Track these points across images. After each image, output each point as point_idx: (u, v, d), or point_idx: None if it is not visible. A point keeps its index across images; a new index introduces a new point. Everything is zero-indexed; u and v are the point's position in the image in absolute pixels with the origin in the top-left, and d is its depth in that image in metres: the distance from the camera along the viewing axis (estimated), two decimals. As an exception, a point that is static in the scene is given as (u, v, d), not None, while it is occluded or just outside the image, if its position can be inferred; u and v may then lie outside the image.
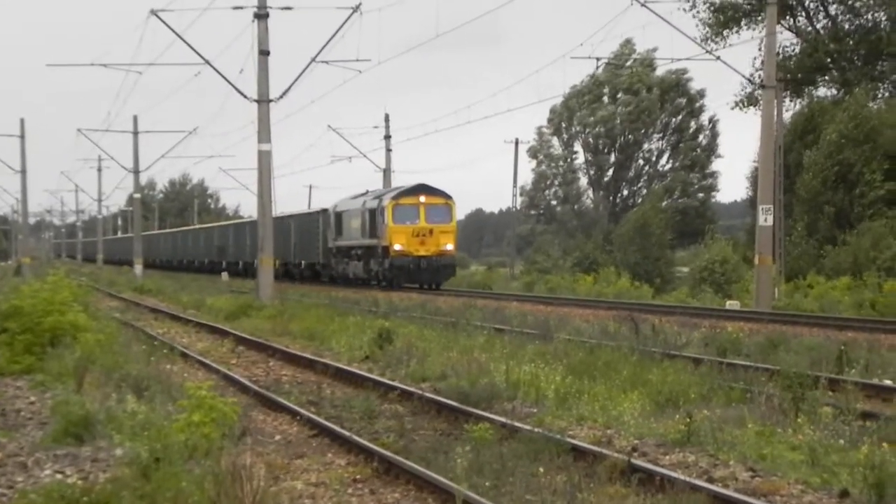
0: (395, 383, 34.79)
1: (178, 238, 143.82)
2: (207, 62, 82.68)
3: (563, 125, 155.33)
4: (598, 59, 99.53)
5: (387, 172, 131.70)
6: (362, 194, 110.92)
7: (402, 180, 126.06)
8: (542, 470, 22.01)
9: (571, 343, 43.60)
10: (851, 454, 22.23)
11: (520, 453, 23.38)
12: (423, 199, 79.60)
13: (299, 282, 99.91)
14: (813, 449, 23.29)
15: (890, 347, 39.90)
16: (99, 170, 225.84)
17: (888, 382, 32.11)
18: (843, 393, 29.34)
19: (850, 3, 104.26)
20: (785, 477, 21.80)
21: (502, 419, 27.36)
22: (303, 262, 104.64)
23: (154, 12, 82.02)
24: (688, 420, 27.18)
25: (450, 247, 79.12)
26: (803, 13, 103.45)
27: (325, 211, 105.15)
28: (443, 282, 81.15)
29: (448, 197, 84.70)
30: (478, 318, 58.08)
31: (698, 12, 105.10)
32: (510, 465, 22.40)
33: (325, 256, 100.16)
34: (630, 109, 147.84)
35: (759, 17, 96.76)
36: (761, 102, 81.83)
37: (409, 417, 29.27)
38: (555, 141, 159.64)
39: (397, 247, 76.16)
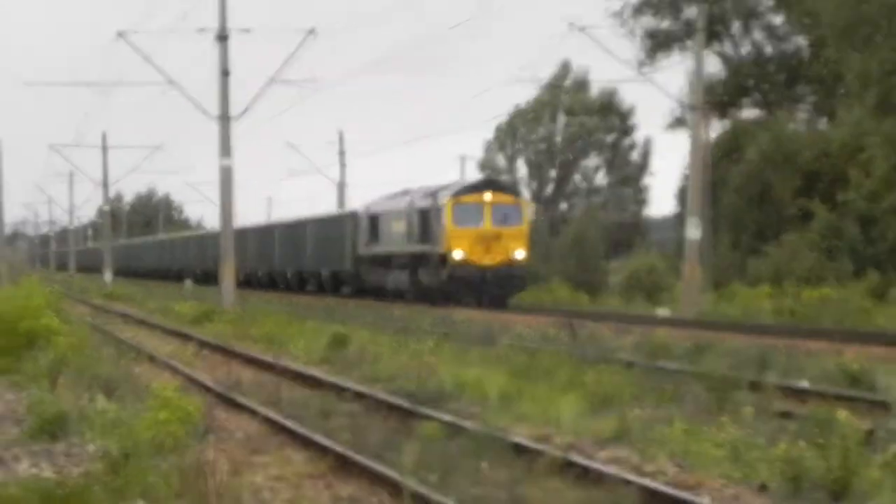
0: (349, 384, 34.90)
1: (149, 247, 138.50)
2: (172, 82, 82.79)
3: (508, 142, 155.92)
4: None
5: (341, 186, 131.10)
6: (403, 192, 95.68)
7: (356, 194, 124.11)
8: (485, 465, 22.20)
9: (513, 348, 43.69)
10: (770, 450, 22.42)
11: (465, 450, 23.55)
12: (488, 196, 68.06)
13: (317, 293, 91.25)
14: (735, 446, 23.52)
15: (807, 352, 40.09)
16: (70, 184, 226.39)
17: (804, 384, 32.03)
18: (764, 394, 29.57)
19: (771, 26, 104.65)
20: (709, 471, 22.00)
21: (448, 418, 27.56)
22: (323, 271, 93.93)
23: (121, 34, 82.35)
24: (621, 419, 27.47)
25: (521, 254, 67.40)
26: (729, 39, 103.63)
27: (354, 214, 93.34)
28: (510, 297, 69.59)
29: (518, 194, 74.95)
30: (427, 324, 58.21)
31: (634, 37, 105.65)
32: (456, 460, 22.55)
33: (353, 265, 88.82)
34: (570, 129, 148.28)
35: (689, 43, 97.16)
36: (690, 124, 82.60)
37: (363, 416, 29.40)
38: (500, 158, 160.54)
39: (458, 255, 64.78)
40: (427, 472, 21.22)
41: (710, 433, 25.31)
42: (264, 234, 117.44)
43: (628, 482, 20.31)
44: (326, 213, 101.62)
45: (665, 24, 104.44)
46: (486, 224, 62.78)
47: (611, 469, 21.62)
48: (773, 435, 24.11)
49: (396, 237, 74.17)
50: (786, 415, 26.91)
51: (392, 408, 30.22)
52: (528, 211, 69.48)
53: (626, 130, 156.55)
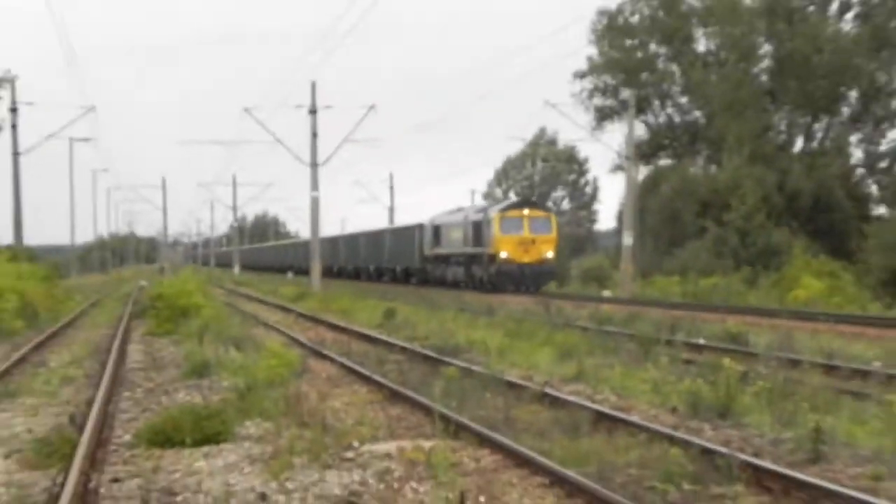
0: (396, 341, 34.86)
1: (263, 251, 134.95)
2: (279, 140, 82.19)
3: (503, 180, 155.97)
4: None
5: (391, 210, 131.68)
6: (458, 209, 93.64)
7: (401, 216, 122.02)
8: (488, 395, 22.15)
9: (507, 317, 43.80)
10: (678, 385, 22.37)
11: (474, 385, 23.48)
12: (526, 212, 66.84)
13: (391, 282, 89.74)
14: (655, 382, 23.53)
15: (703, 320, 40.17)
16: (211, 208, 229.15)
17: (701, 341, 31.89)
18: (674, 348, 29.56)
19: (679, 104, 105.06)
20: (638, 399, 22.04)
21: (463, 364, 27.55)
22: (397, 266, 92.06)
23: (246, 110, 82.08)
24: (579, 365, 27.52)
25: (550, 255, 66.85)
26: (651, 112, 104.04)
27: (421, 225, 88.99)
28: (543, 286, 67.02)
29: (549, 210, 73.92)
30: (448, 303, 58.08)
31: (588, 110, 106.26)
32: (468, 392, 22.49)
33: (420, 262, 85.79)
34: (545, 172, 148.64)
35: (624, 115, 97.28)
36: (625, 169, 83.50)
37: (406, 363, 29.39)
38: (498, 191, 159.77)
39: (504, 254, 64.57)
40: (449, 400, 21.21)
41: (638, 374, 25.33)
42: (353, 240, 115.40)
43: (584, 406, 20.34)
44: (400, 225, 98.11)
45: (609, 102, 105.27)
46: (525, 232, 62.98)
47: (572, 398, 21.63)
48: (680, 375, 24.06)
49: (455, 242, 73.74)
50: (689, 362, 26.91)
51: (425, 357, 30.16)
52: (556, 223, 68.85)
53: (583, 173, 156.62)
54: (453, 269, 73.80)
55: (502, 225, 63.30)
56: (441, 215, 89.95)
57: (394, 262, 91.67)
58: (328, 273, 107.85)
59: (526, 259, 62.91)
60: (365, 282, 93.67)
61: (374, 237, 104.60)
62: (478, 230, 66.72)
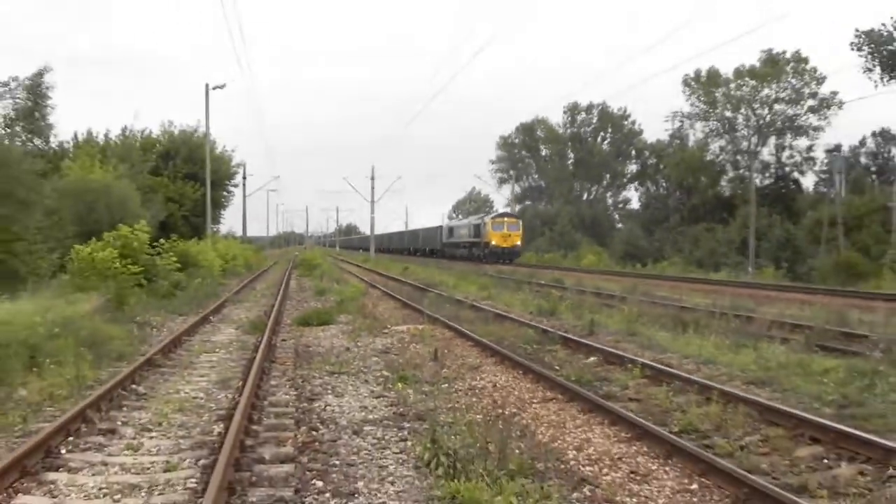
0: (408, 280, 34.77)
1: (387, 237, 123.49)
2: (357, 191, 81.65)
3: (459, 211, 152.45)
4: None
5: (406, 223, 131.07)
6: (465, 217, 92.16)
7: (412, 225, 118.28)
8: (448, 305, 22.11)
9: (457, 271, 43.40)
10: (533, 301, 22.46)
11: (442, 300, 23.48)
12: (506, 219, 61.26)
13: (421, 257, 79.49)
14: (523, 300, 23.52)
15: (542, 274, 39.88)
16: (327, 220, 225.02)
17: (542, 281, 31.15)
18: (532, 285, 29.58)
19: (533, 178, 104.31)
20: (515, 308, 22.00)
21: (437, 291, 27.55)
22: (426, 248, 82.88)
23: (345, 178, 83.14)
24: (489, 292, 27.45)
25: (518, 243, 60.54)
26: (521, 181, 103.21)
27: (440, 226, 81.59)
28: (514, 260, 60.52)
29: (518, 217, 66.56)
30: (434, 265, 57.79)
31: (493, 178, 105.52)
32: (439, 303, 22.53)
33: (441, 246, 75.63)
34: (476, 206, 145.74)
35: (512, 183, 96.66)
36: (510, 205, 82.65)
37: (411, 290, 29.27)
38: (455, 214, 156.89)
39: (493, 242, 59.19)
40: (431, 306, 21.28)
41: (515, 296, 25.22)
42: (400, 235, 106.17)
43: (490, 310, 20.29)
44: (429, 226, 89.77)
45: (503, 175, 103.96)
46: (505, 230, 59.54)
47: (485, 306, 21.54)
48: (534, 297, 24.13)
49: (463, 235, 67.83)
50: (538, 291, 26.90)
51: (419, 288, 30.03)
52: (522, 225, 63.63)
53: (489, 210, 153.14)
54: (461, 251, 67.71)
55: (493, 226, 60.14)
56: (452, 222, 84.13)
57: (424, 245, 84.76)
58: (388, 251, 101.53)
59: (505, 245, 59.59)
60: (403, 256, 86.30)
61: (412, 233, 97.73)
62: (477, 229, 63.41)
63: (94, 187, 29.94)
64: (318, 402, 9.97)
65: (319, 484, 6.71)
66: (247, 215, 66.92)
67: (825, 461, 7.34)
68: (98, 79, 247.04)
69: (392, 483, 6.75)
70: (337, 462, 7.35)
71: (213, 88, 42.30)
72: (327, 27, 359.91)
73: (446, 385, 11.07)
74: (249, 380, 10.31)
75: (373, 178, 75.79)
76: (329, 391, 10.68)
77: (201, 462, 7.28)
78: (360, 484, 6.72)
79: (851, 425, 8.18)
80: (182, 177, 46.50)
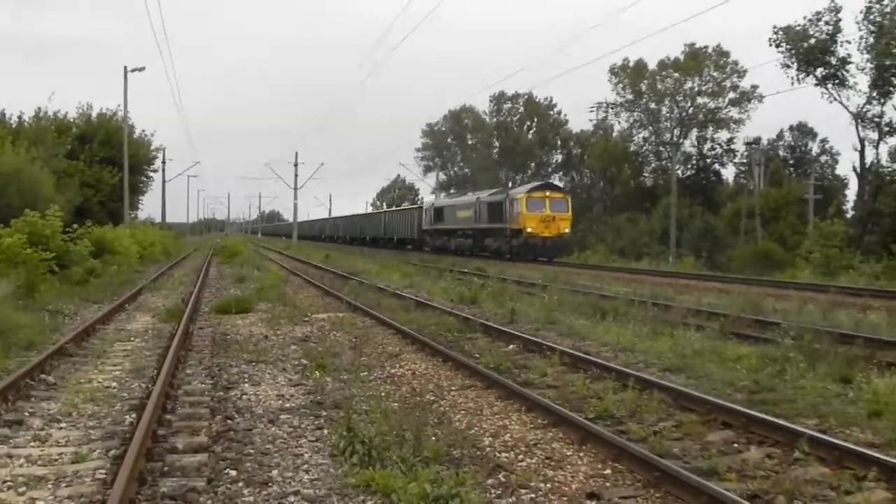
0: (330, 269, 34.59)
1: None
2: (281, 176, 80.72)
3: (383, 199, 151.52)
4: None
5: (330, 210, 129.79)
6: (455, 194, 69.77)
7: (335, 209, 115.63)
8: (370, 293, 22.13)
9: (380, 258, 43.31)
10: (455, 289, 22.55)
11: (364, 288, 23.48)
12: (548, 193, 44.17)
13: (385, 249, 64.02)
14: (445, 288, 23.62)
15: (466, 262, 40.02)
16: (249, 206, 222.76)
17: (466, 270, 31.07)
18: (454, 272, 29.63)
19: (460, 166, 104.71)
20: (437, 296, 22.05)
21: (359, 279, 27.50)
22: (395, 237, 65.19)
23: (267, 164, 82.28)
24: (412, 280, 27.51)
25: (566, 230, 43.79)
26: (447, 170, 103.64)
27: (420, 207, 62.52)
28: (559, 256, 44.70)
29: (566, 192, 49.52)
30: (355, 252, 57.48)
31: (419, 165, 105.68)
32: (361, 291, 22.52)
33: (419, 235, 59.01)
34: (399, 194, 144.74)
35: (437, 171, 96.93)
36: (435, 194, 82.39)
37: (333, 279, 29.15)
38: (379, 202, 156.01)
39: (529, 229, 42.30)
40: (352, 294, 21.26)
41: (437, 284, 25.32)
42: (353, 219, 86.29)
43: (412, 298, 20.38)
44: (400, 208, 75.09)
45: (429, 163, 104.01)
46: (547, 209, 41.86)
47: (407, 294, 21.62)
48: (456, 284, 24.22)
49: (465, 219, 49.65)
50: (460, 279, 26.98)
51: (341, 276, 29.93)
52: (570, 202, 45.40)
53: (415, 199, 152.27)
54: (460, 241, 51.02)
55: (528, 204, 42.23)
56: (439, 200, 64.24)
57: (390, 234, 67.63)
58: (328, 240, 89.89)
59: (548, 233, 42.30)
60: (354, 247, 71.26)
61: (370, 218, 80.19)
62: (496, 209, 45.57)
63: (4, 170, 29.07)
64: (235, 390, 9.88)
65: (233, 473, 6.64)
66: (166, 201, 65.69)
67: (735, 445, 7.51)
68: (12, 60, 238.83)
69: (307, 471, 6.72)
70: (252, 451, 7.29)
71: (132, 71, 41.60)
72: (250, 12, 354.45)
73: (365, 373, 11.07)
74: (164, 369, 10.16)
75: (296, 165, 75.36)
76: (246, 380, 10.60)
77: (111, 453, 7.12)
78: (275, 472, 6.68)
79: (761, 410, 8.41)
80: (99, 161, 45.47)
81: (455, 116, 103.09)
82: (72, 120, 47.64)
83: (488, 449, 7.42)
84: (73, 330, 14.27)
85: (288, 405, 9.13)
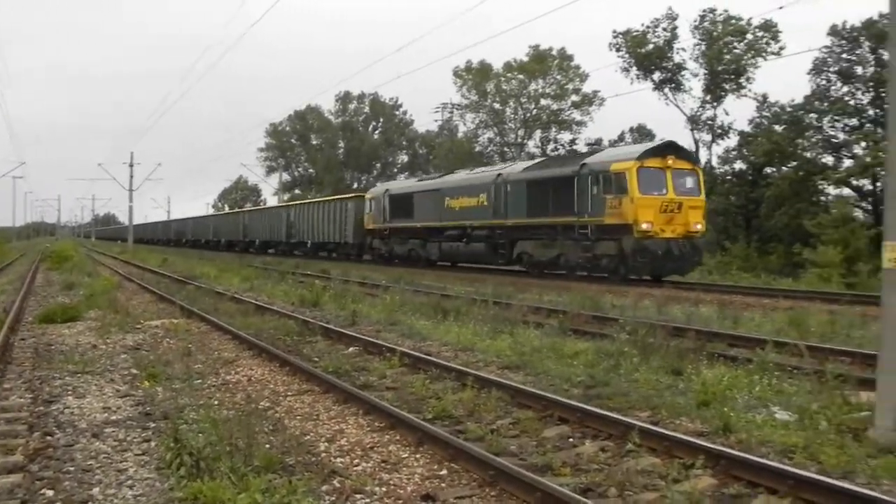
0: (167, 273, 33.67)
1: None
2: (115, 179, 78.06)
3: (222, 199, 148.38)
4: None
5: (168, 212, 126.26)
6: (432, 176, 45.43)
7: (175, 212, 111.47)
8: (207, 298, 21.67)
9: (221, 261, 42.47)
10: (302, 292, 22.26)
11: (202, 293, 22.98)
12: (670, 160, 25.33)
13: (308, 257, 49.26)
14: (286, 291, 23.22)
15: (311, 264, 39.65)
16: (82, 209, 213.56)
17: (308, 272, 31.39)
18: (296, 276, 29.26)
19: (304, 166, 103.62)
20: (278, 299, 21.76)
21: (197, 283, 26.87)
22: (310, 241, 49.93)
23: (100, 164, 79.23)
24: (252, 284, 27.00)
25: (700, 226, 25.64)
26: (290, 170, 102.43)
27: (359, 198, 44.18)
28: (687, 273, 26.85)
29: (696, 162, 28.88)
30: (194, 255, 56.03)
31: (262, 166, 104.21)
32: (198, 297, 22.01)
33: (356, 237, 42.94)
34: (245, 194, 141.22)
35: (279, 171, 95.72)
36: (278, 195, 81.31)
37: (170, 283, 28.37)
38: (221, 204, 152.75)
39: (644, 226, 24.31)
40: (189, 300, 20.77)
41: (279, 288, 24.99)
42: (222, 220, 77.67)
43: (252, 301, 20.11)
44: (341, 196, 51.00)
45: (272, 164, 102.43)
46: (670, 191, 25.30)
47: (246, 298, 21.30)
48: (297, 287, 23.98)
49: (460, 212, 33.23)
50: (301, 281, 26.61)
51: (178, 280, 29.21)
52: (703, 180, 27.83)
53: (257, 199, 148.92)
54: (455, 245, 34.12)
55: (641, 177, 25.15)
56: (402, 184, 44.02)
57: (297, 238, 52.83)
58: (188, 245, 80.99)
59: (675, 234, 25.34)
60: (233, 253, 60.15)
61: (262, 215, 64.33)
62: (550, 191, 28.27)
63: None
64: (57, 404, 9.42)
65: (50, 493, 6.30)
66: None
67: (570, 440, 7.68)
68: None
69: (131, 487, 6.46)
70: (72, 468, 6.94)
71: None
72: (78, 8, 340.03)
73: (199, 381, 10.78)
74: (-23, 384, 9.59)
75: (131, 165, 72.70)
76: (70, 392, 10.12)
77: (-89, 480, 6.65)
78: (96, 490, 6.38)
79: (596, 404, 8.64)
80: None
81: (300, 116, 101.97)
82: None
83: (324, 454, 7.33)
84: None
85: (114, 417, 8.78)
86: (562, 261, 28.46)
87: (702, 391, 8.97)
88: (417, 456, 7.25)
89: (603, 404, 8.75)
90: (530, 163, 33.21)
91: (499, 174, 31.81)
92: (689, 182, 26.31)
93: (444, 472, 6.83)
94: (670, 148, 26.60)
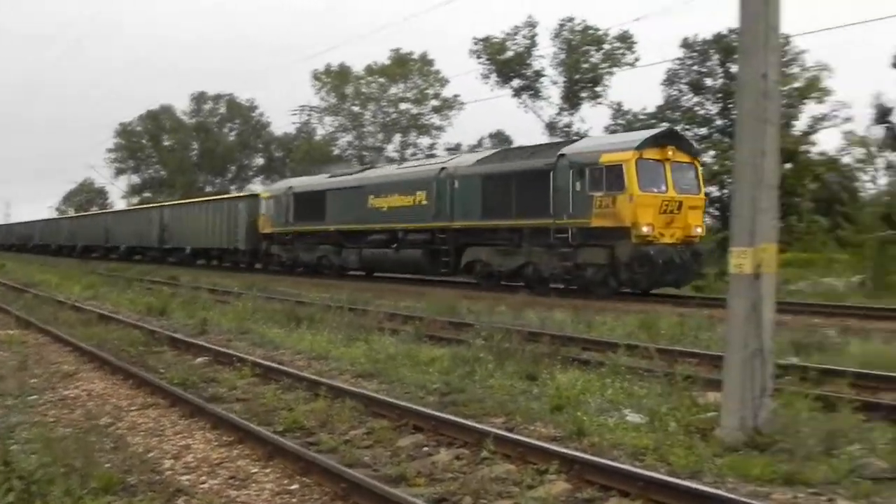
0: (4, 281, 31.98)
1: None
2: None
3: (67, 201, 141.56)
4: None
5: (8, 216, 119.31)
6: (337, 174, 34.81)
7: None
8: (46, 307, 20.62)
9: (67, 267, 40.58)
10: (146, 299, 21.46)
11: (41, 302, 21.89)
12: (670, 150, 21.20)
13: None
14: (134, 298, 22.42)
15: (163, 270, 38.44)
16: None
17: (157, 279, 30.26)
18: (143, 283, 28.26)
19: (156, 167, 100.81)
20: (123, 307, 20.91)
21: (35, 291, 25.58)
22: (189, 247, 44.94)
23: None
24: (94, 291, 25.88)
25: (699, 229, 21.43)
26: (141, 171, 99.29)
27: (252, 197, 40.01)
28: (687, 284, 22.43)
29: (696, 151, 24.82)
30: (34, 261, 53.34)
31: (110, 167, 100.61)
32: (37, 306, 20.92)
33: (249, 242, 37.69)
34: (87, 200, 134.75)
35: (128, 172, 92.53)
36: (127, 198, 78.57)
37: (8, 293, 26.94)
38: (65, 207, 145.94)
39: (644, 229, 20.11)
40: (25, 309, 19.78)
41: (125, 296, 24.00)
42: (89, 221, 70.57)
43: (94, 311, 19.29)
44: (232, 195, 52.54)
45: (120, 165, 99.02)
46: (670, 188, 21.16)
47: (88, 307, 20.38)
48: (144, 295, 23.14)
49: (386, 212, 28.94)
50: (149, 288, 25.73)
51: (15, 288, 27.80)
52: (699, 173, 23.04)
53: (104, 202, 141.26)
54: (382, 252, 29.52)
55: (641, 170, 20.92)
56: (309, 181, 36.33)
57: (182, 244, 46.15)
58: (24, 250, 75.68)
59: (674, 238, 21.26)
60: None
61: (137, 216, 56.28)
62: (514, 186, 23.94)
63: None
64: None
65: None
66: None
67: (425, 449, 7.61)
68: None
69: (-51, 518, 6.00)
70: None
71: None
72: None
73: (34, 397, 10.20)
74: None
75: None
76: None
77: None
78: None
79: (451, 412, 8.61)
80: None
81: (153, 116, 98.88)
82: None
83: (168, 472, 7.02)
84: None
85: (-66, 441, 8.15)
86: (529, 271, 24.08)
87: (556, 396, 9.04)
88: (267, 470, 7.04)
89: (458, 411, 8.73)
90: (482, 154, 28.62)
91: (442, 168, 27.40)
92: (690, 177, 22.55)
93: (295, 486, 6.65)
94: (671, 137, 22.95)
